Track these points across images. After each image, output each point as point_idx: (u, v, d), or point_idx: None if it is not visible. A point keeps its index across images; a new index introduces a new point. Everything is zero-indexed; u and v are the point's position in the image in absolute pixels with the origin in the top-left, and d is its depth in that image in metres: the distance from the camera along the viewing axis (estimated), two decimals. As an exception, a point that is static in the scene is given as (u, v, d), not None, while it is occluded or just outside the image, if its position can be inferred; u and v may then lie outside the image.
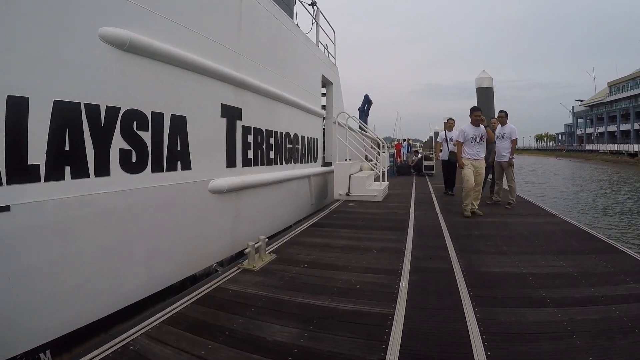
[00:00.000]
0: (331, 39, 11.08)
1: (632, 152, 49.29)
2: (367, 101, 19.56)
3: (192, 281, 4.19)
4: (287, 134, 6.92)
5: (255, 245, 4.07)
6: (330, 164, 9.49)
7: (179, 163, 4.03)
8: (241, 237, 5.10)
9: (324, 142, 10.22)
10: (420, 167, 16.10)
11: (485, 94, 15.05)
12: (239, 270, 3.85)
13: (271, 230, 6.14)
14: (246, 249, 4.02)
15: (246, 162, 5.46)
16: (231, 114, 5.04)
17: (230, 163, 5.08)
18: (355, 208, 7.50)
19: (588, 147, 67.70)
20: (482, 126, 6.81)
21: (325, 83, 10.52)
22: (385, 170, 9.85)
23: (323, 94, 11.01)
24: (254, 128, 5.64)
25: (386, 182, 9.43)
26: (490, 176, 8.65)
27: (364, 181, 8.35)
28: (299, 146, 7.53)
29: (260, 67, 5.83)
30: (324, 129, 10.43)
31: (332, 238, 5.14)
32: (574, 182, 25.85)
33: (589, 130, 73.34)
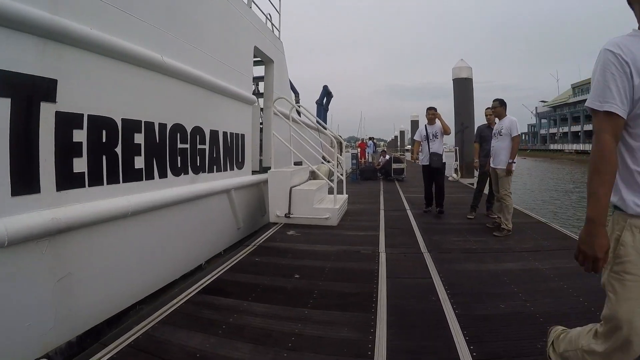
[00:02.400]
0: (275, 6, 8.57)
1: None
2: (326, 93, 17.16)
3: None
4: (179, 128, 4.39)
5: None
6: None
7: None
8: (80, 312, 3.04)
9: (261, 141, 7.69)
10: (388, 170, 13.86)
11: (463, 86, 12.88)
12: None
13: (151, 284, 3.94)
14: None
15: (69, 180, 2.96)
16: (26, 90, 2.60)
17: (23, 185, 2.58)
18: (296, 241, 5.06)
19: (552, 146, 68.29)
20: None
21: (263, 60, 7.98)
22: (344, 177, 7.42)
23: (257, 78, 8.51)
24: (91, 117, 3.15)
25: (344, 196, 7.07)
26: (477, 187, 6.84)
27: (311, 196, 5.92)
28: (206, 146, 4.97)
29: (110, 10, 3.37)
30: (261, 123, 7.91)
31: (227, 335, 2.60)
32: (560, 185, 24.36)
33: (553, 130, 74.14)
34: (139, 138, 3.76)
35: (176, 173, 4.34)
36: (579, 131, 64.38)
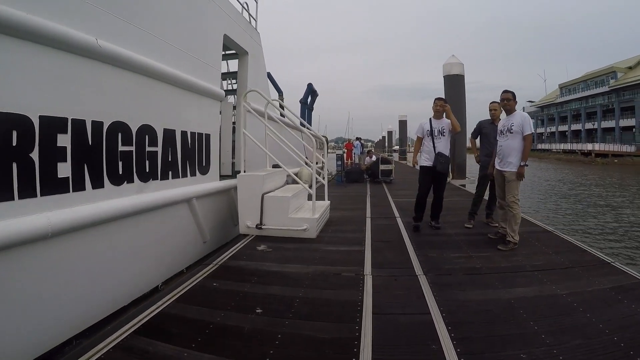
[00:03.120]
0: (250, -7, 7.83)
1: (586, 151, 49.64)
2: (311, 91, 16.41)
3: None
4: (120, 127, 3.64)
5: None
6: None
7: None
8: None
9: (234, 142, 6.93)
10: (375, 172, 13.19)
11: (454, 83, 12.20)
12: None
13: (92, 315, 3.35)
14: None
15: None
16: None
17: None
18: (265, 258, 4.29)
19: (540, 146, 68.48)
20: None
21: (236, 52, 7.24)
22: (325, 180, 6.76)
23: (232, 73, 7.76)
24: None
25: (326, 202, 6.34)
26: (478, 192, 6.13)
27: (286, 204, 5.18)
28: (158, 149, 4.21)
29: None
30: (234, 122, 7.16)
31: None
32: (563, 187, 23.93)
33: (540, 130, 74.50)
34: (64, 140, 3.01)
35: (117, 182, 3.58)
36: (567, 131, 64.97)
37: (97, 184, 3.35)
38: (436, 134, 5.51)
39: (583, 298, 3.07)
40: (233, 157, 7.03)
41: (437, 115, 5.60)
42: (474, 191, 6.65)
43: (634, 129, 50.75)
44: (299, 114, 15.97)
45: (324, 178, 6.73)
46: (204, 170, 5.27)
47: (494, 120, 5.78)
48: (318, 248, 4.66)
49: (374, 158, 14.46)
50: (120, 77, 3.65)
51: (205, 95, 5.31)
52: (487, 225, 5.83)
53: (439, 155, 5.40)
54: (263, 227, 5.13)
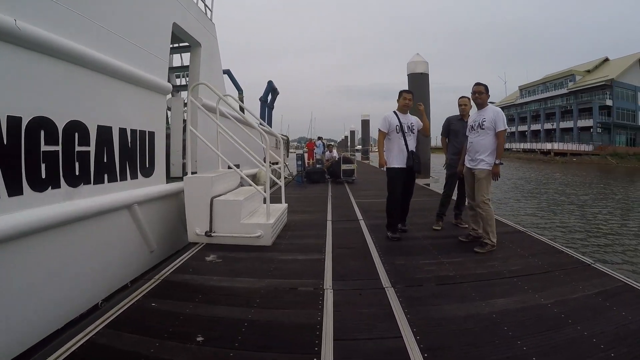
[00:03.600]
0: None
1: (545, 151, 51.92)
2: (271, 89, 15.97)
3: None
4: (43, 123, 3.06)
5: None
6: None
7: None
8: None
9: (184, 141, 6.47)
10: (336, 172, 12.88)
11: (419, 82, 12.03)
12: None
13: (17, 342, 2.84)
14: None
15: None
16: None
17: None
18: (213, 271, 3.80)
19: (501, 145, 70.71)
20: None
21: (188, 43, 6.77)
22: (282, 182, 6.35)
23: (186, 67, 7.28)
24: None
25: (283, 205, 5.91)
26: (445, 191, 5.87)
27: (237, 209, 4.71)
28: (91, 148, 3.67)
29: None
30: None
31: None
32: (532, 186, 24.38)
33: (500, 130, 76.62)
34: None
35: (39, 187, 3.07)
36: (526, 131, 67.01)
37: (14, 190, 2.85)
38: (406, 131, 4.99)
39: (570, 307, 2.80)
40: (184, 158, 6.59)
41: (404, 109, 5.08)
42: (441, 191, 6.50)
43: (591, 129, 53.47)
44: (258, 113, 15.54)
45: (281, 179, 6.33)
46: (147, 173, 4.76)
47: (463, 117, 5.49)
48: (273, 257, 4.20)
49: (334, 153, 14.19)
50: (45, 65, 3.12)
51: (149, 89, 4.75)
52: (456, 227, 5.57)
53: (413, 155, 4.94)
54: (213, 234, 4.65)
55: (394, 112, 5.13)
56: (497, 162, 4.35)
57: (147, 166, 4.76)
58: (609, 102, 52.88)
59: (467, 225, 5.28)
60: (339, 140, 66.97)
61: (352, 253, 4.36)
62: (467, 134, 4.78)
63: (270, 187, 5.24)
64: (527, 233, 5.21)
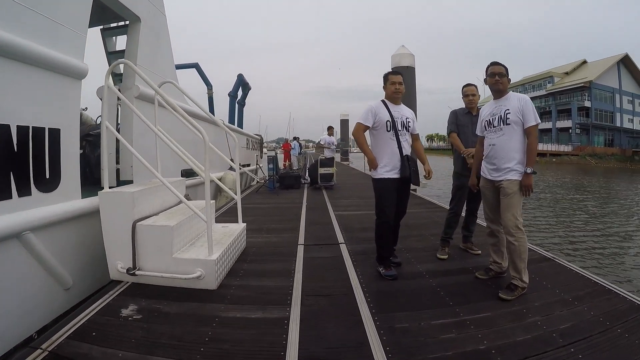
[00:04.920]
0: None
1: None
2: (242, 83, 14.51)
3: None
4: None
5: None
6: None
7: None
8: None
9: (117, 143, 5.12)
10: (314, 177, 11.42)
11: (405, 76, 10.77)
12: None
13: None
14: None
15: None
16: None
17: None
18: (124, 337, 2.49)
19: (480, 147, 71.35)
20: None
21: (124, 17, 5.43)
22: (239, 197, 4.80)
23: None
24: None
25: (239, 226, 4.57)
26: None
27: (168, 238, 3.35)
28: None
29: None
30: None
31: None
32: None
33: (479, 131, 77.50)
34: None
35: None
36: (505, 131, 68.10)
37: None
38: (400, 128, 3.66)
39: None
40: (116, 162, 5.23)
41: (394, 97, 3.75)
42: (433, 200, 5.29)
43: (570, 130, 54.57)
44: (227, 109, 14.14)
45: (237, 194, 4.77)
46: (48, 186, 3.42)
47: (470, 110, 4.30)
48: (215, 314, 2.88)
49: (333, 139, 12.56)
50: None
51: (52, 70, 3.47)
52: (465, 253, 4.34)
53: (408, 161, 3.64)
54: (137, 272, 3.34)
55: (382, 101, 3.82)
56: (528, 170, 3.17)
57: (48, 177, 3.40)
58: (587, 104, 53.76)
59: (478, 251, 4.16)
60: (317, 141, 65.83)
61: (330, 306, 3.04)
62: (480, 132, 3.61)
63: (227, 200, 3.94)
64: (556, 261, 4.04)
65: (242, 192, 11.01)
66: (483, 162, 3.53)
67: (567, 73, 60.02)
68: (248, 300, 3.15)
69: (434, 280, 3.56)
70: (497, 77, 3.34)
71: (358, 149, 4.55)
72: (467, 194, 4.24)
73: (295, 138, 21.82)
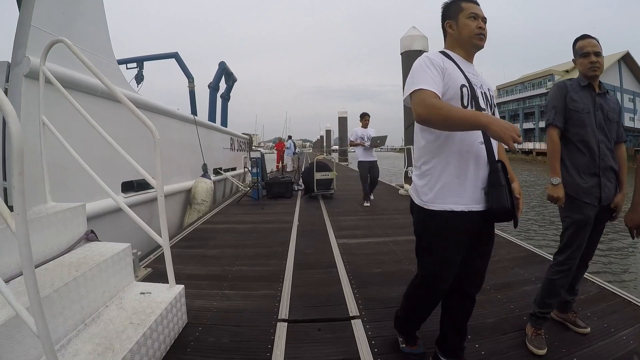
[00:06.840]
0: None
1: (527, 150, 49.88)
2: (225, 73, 12.48)
3: None
4: None
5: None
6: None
7: None
8: None
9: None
10: (309, 184, 9.17)
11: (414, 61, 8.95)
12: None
13: None
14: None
15: None
16: None
17: None
18: None
19: (480, 146, 70.73)
20: None
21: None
22: (167, 250, 2.57)
23: None
24: None
25: (173, 292, 2.52)
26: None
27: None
28: None
29: None
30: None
31: None
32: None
33: (478, 130, 76.83)
34: None
35: None
36: (506, 129, 67.41)
37: None
38: (482, 105, 1.84)
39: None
40: (4, 177, 3.29)
41: (475, 46, 1.89)
42: (516, 240, 3.39)
43: None
44: (207, 102, 12.16)
45: (164, 240, 2.52)
46: None
47: (591, 81, 2.36)
48: None
49: (369, 131, 8.98)
50: None
51: None
52: (565, 330, 2.44)
53: (505, 176, 1.79)
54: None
55: (443, 52, 1.94)
56: None
57: None
58: (589, 102, 52.48)
59: (587, 328, 2.37)
60: (314, 141, 64.21)
61: None
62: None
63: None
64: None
65: (221, 201, 9.03)
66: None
67: (567, 71, 58.60)
68: None
69: None
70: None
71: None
72: (587, 233, 2.31)
73: (289, 137, 19.96)
